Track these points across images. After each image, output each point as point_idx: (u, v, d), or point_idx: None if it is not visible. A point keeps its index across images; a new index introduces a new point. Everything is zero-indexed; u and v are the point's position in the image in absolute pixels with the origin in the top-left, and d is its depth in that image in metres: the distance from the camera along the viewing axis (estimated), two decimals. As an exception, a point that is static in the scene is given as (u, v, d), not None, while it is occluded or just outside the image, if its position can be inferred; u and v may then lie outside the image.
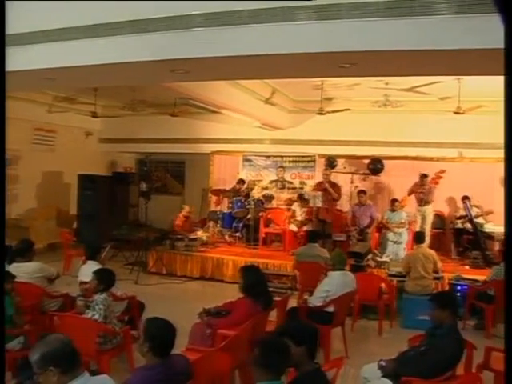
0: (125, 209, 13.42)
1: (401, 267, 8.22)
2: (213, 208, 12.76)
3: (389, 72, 5.92)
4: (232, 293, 9.24)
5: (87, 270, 6.45)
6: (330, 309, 6.17)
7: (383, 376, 4.44)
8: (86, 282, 6.27)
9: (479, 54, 4.75)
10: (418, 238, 8.21)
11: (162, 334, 3.41)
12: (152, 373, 3.32)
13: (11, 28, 5.91)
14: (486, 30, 4.54)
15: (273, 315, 5.99)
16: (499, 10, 2.02)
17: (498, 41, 4.26)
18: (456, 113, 9.62)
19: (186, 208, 11.68)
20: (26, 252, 6.52)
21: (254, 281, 5.42)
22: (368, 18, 4.86)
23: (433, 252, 7.91)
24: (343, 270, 6.40)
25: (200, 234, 11.16)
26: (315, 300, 6.24)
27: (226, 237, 11.53)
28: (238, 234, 11.45)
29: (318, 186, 10.53)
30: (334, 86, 10.36)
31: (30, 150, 12.33)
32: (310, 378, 3.28)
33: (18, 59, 6.01)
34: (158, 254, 10.46)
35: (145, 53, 5.52)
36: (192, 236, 10.78)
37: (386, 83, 9.73)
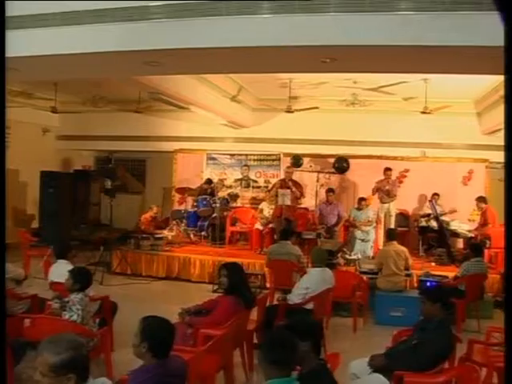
0: (86, 207, 13.04)
1: (373, 264, 8.27)
2: (176, 207, 12.55)
3: (369, 68, 5.92)
4: (199, 293, 9.18)
5: (58, 270, 6.22)
6: (310, 306, 6.13)
7: (373, 371, 4.41)
8: (57, 283, 6.03)
9: (464, 51, 4.80)
10: (390, 234, 8.27)
11: (161, 333, 3.25)
12: (151, 374, 3.13)
13: None
14: (472, 28, 4.60)
15: (252, 314, 5.90)
16: (499, 8, 1.99)
17: (486, 39, 4.34)
18: (423, 112, 9.77)
19: (155, 209, 11.45)
20: (-8, 251, 6.18)
21: (237, 279, 5.29)
22: (351, 13, 4.84)
23: (404, 249, 7.96)
24: (322, 266, 6.35)
25: (166, 233, 10.93)
26: (295, 297, 6.19)
27: (191, 236, 11.34)
28: (203, 233, 11.28)
29: (281, 184, 10.47)
30: (301, 85, 10.35)
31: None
32: (316, 375, 3.18)
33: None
34: (123, 254, 10.17)
35: (117, 43, 5.34)
36: (158, 235, 10.54)
37: (355, 82, 9.78)
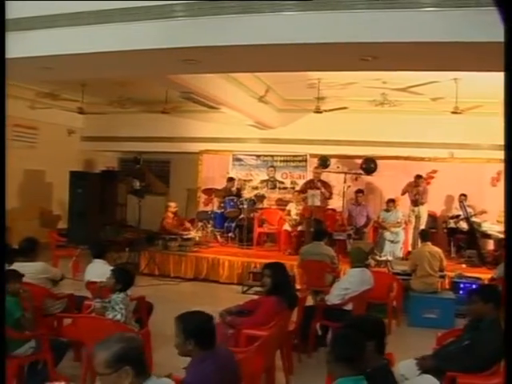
0: (113, 208, 13.05)
1: (405, 265, 8.19)
2: (201, 208, 12.52)
3: (411, 66, 5.84)
4: (228, 294, 9.14)
5: (95, 270, 6.19)
6: (348, 307, 6.06)
7: (423, 372, 4.33)
8: (93, 282, 6.00)
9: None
10: (424, 235, 8.17)
11: (203, 325, 3.24)
12: (204, 365, 3.11)
13: (9, 12, 5.65)
14: None
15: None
16: (497, 4, 1.94)
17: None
18: (454, 112, 9.65)
19: (172, 205, 11.36)
20: (29, 251, 6.17)
21: (281, 278, 5.22)
22: (392, 9, 4.77)
23: (439, 250, 7.86)
24: (362, 266, 6.28)
25: (193, 233, 10.90)
26: (333, 298, 6.12)
27: (218, 237, 11.31)
28: (230, 234, 11.24)
29: (310, 185, 10.41)
30: (329, 85, 10.28)
31: (10, 146, 11.80)
32: (380, 374, 3.12)
33: (15, 46, 5.72)
34: (151, 255, 10.16)
35: (156, 40, 5.31)
36: (185, 236, 10.52)
37: (384, 82, 9.69)
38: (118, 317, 4.84)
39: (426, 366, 4.35)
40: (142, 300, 6.19)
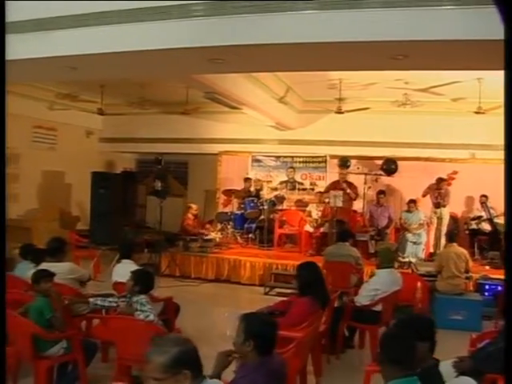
0: (133, 209, 13.05)
1: (430, 267, 8.13)
2: (220, 209, 12.51)
3: (441, 65, 5.78)
4: (251, 295, 9.12)
5: (122, 270, 6.13)
6: (378, 308, 6.01)
7: (460, 374, 4.27)
8: (121, 283, 5.98)
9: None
10: (451, 236, 8.11)
11: (266, 330, 3.15)
12: (258, 375, 3.02)
13: (31, 13, 5.65)
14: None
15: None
16: (496, 1, 1.91)
17: None
18: (477, 112, 9.56)
19: (194, 207, 11.39)
20: (57, 252, 6.13)
21: (313, 278, 5.18)
22: (424, 7, 4.71)
23: (464, 251, 7.80)
24: (391, 267, 6.22)
25: (213, 234, 10.88)
26: (362, 298, 6.06)
27: (238, 238, 11.28)
28: (250, 236, 11.22)
29: (335, 186, 10.37)
30: (350, 86, 10.22)
31: (30, 148, 11.97)
32: (431, 374, 3.08)
33: (39, 46, 5.73)
34: (172, 256, 10.15)
35: (183, 39, 5.27)
36: (206, 237, 10.51)
37: (406, 82, 9.63)
38: (151, 317, 4.80)
39: (463, 367, 4.29)
40: (169, 301, 6.17)
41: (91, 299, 5.34)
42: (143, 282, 5.04)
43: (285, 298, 5.69)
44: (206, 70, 6.47)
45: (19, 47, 5.73)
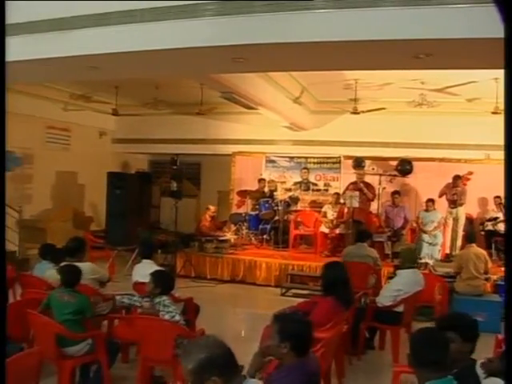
0: (147, 210, 13.04)
1: (448, 268, 8.08)
2: (234, 210, 12.48)
3: (464, 64, 5.73)
4: (267, 296, 9.11)
5: (143, 270, 6.11)
6: (399, 309, 5.97)
7: (490, 375, 4.23)
8: (142, 283, 5.96)
9: None
10: (470, 237, 8.06)
11: (302, 330, 3.10)
12: (294, 376, 2.96)
13: (52, 13, 5.64)
14: None
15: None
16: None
17: None
18: (494, 113, 9.49)
19: (212, 208, 11.41)
20: (77, 251, 6.11)
21: (336, 278, 5.14)
22: (445, 5, 4.67)
23: (484, 252, 7.76)
24: (413, 267, 6.18)
25: (228, 235, 10.87)
26: (384, 299, 6.02)
27: (253, 239, 11.25)
28: (265, 237, 11.17)
29: (353, 186, 10.34)
30: (365, 86, 10.17)
31: (44, 148, 12.00)
32: (468, 375, 3.04)
33: (60, 45, 5.71)
34: (187, 257, 10.14)
35: (207, 38, 5.24)
36: (221, 238, 10.49)
37: (422, 82, 9.58)
38: (177, 318, 4.79)
39: (493, 368, 4.25)
40: (189, 301, 6.15)
41: (118, 296, 5.32)
42: (163, 283, 5.04)
43: (304, 299, 5.68)
44: (227, 69, 6.44)
45: (40, 47, 5.74)
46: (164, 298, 4.92)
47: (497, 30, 4.50)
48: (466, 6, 4.60)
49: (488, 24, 4.62)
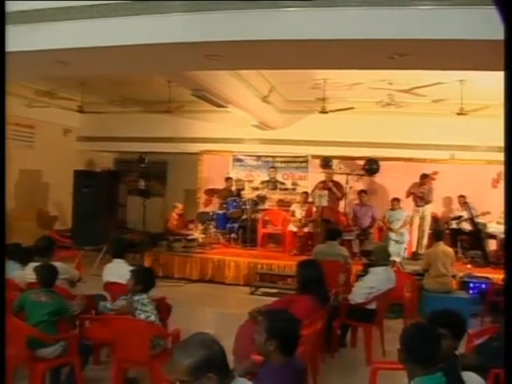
0: (114, 209, 12.83)
1: (416, 265, 8.20)
2: (201, 209, 12.41)
3: (437, 65, 5.82)
4: (236, 295, 9.08)
5: (115, 270, 6.03)
6: (372, 306, 6.03)
7: (463, 369, 4.30)
8: (114, 283, 5.87)
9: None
10: (437, 235, 8.20)
11: (290, 328, 3.07)
12: (280, 375, 2.93)
13: (19, 5, 5.49)
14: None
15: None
16: (496, 2, 1.94)
17: None
18: (459, 114, 9.68)
19: (179, 206, 11.31)
20: (46, 251, 5.96)
21: (312, 276, 5.15)
22: (420, 6, 4.74)
23: (451, 250, 7.93)
24: (386, 265, 6.25)
25: (196, 234, 10.80)
26: (357, 297, 6.07)
27: (220, 238, 11.20)
28: (233, 235, 11.15)
29: (322, 185, 10.40)
30: (335, 86, 10.23)
31: (7, 145, 11.61)
32: (454, 370, 3.07)
33: (28, 39, 5.56)
34: (155, 256, 10.03)
35: (181, 34, 5.18)
36: (190, 237, 10.41)
37: (390, 83, 9.69)
38: (152, 318, 4.72)
39: (467, 363, 4.33)
40: (162, 301, 6.07)
41: (101, 302, 5.20)
42: (145, 280, 4.93)
43: (275, 298, 5.67)
44: (201, 66, 6.38)
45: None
46: (144, 296, 4.84)
47: (470, 32, 4.64)
48: (440, 8, 4.69)
49: (461, 26, 4.73)
